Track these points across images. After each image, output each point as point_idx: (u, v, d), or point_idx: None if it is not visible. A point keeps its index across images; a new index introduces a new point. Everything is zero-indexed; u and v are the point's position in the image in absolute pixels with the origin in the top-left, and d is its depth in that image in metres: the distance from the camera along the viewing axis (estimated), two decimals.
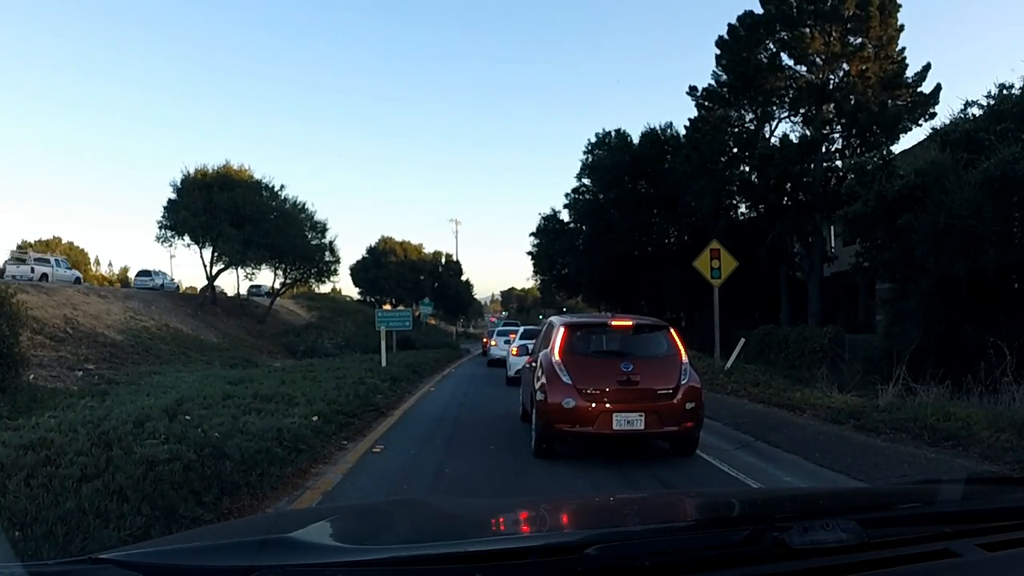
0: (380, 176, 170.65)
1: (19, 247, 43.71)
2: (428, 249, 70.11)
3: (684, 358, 7.68)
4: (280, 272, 37.63)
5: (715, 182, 26.81)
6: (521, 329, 22.71)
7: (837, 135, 25.27)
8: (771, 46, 25.79)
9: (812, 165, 24.68)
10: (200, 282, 41.52)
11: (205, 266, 34.72)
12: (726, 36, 26.96)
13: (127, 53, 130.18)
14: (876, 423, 8.56)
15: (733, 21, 26.74)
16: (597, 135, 37.62)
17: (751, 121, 27.39)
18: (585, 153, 38.09)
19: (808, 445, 7.99)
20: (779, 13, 24.99)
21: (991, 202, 12.20)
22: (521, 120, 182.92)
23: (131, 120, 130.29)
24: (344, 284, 79.59)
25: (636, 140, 35.78)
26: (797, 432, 8.79)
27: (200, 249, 33.85)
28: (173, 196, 33.90)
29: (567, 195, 39.64)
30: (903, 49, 24.84)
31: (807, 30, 24.68)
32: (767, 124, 27.03)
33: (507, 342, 21.30)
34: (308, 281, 40.14)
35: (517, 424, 10.13)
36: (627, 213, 33.64)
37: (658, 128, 35.37)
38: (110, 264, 72.03)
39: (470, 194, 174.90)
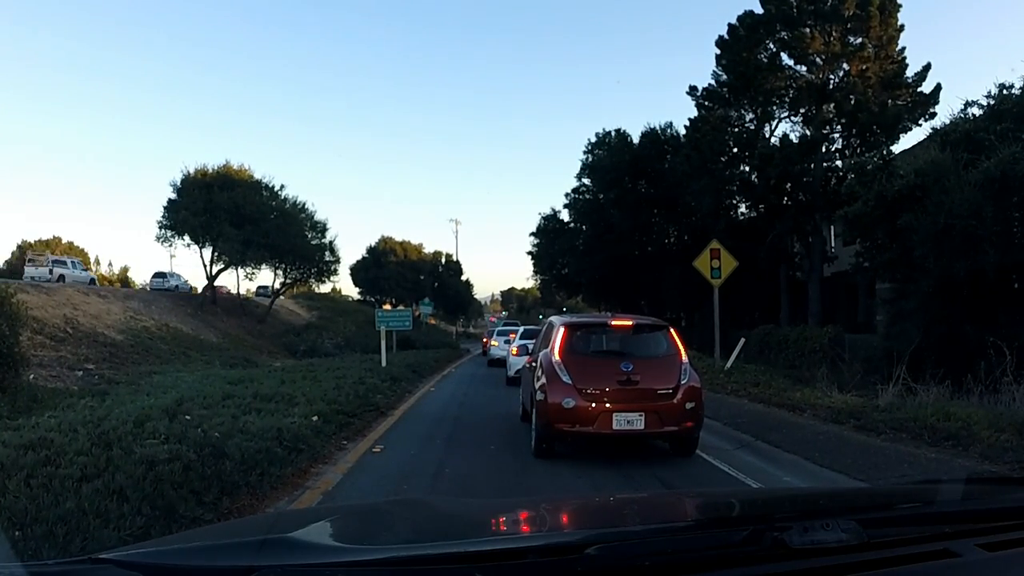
0: (380, 176, 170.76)
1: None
2: (428, 249, 70.21)
3: (684, 358, 7.68)
4: (280, 272, 37.64)
5: (715, 182, 26.81)
6: (521, 329, 22.70)
7: (837, 135, 25.28)
8: (771, 46, 25.79)
9: (812, 165, 24.68)
10: (200, 282, 41.61)
11: (205, 266, 34.76)
12: (726, 36, 26.96)
13: (127, 53, 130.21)
14: (876, 423, 8.56)
15: (733, 21, 26.78)
16: (597, 135, 37.69)
17: (751, 121, 27.39)
18: (585, 153, 38.15)
19: (808, 445, 7.99)
20: (779, 13, 24.99)
21: (991, 202, 12.20)
22: (521, 120, 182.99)
23: (131, 120, 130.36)
24: (344, 284, 79.62)
25: (636, 140, 35.80)
26: (797, 432, 8.79)
27: (200, 249, 33.88)
28: (173, 196, 33.94)
29: (567, 195, 39.71)
30: (903, 49, 24.86)
31: (807, 30, 24.69)
32: (767, 124, 27.04)
33: (507, 342, 21.29)
34: (308, 281, 40.14)
35: (517, 424, 10.13)
36: (627, 213, 33.65)
37: (658, 128, 35.43)
38: (110, 264, 72.06)
39: (470, 194, 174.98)
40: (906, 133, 24.60)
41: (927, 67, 24.67)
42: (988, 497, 1.98)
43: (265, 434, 6.86)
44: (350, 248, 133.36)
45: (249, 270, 36.45)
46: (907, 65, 24.72)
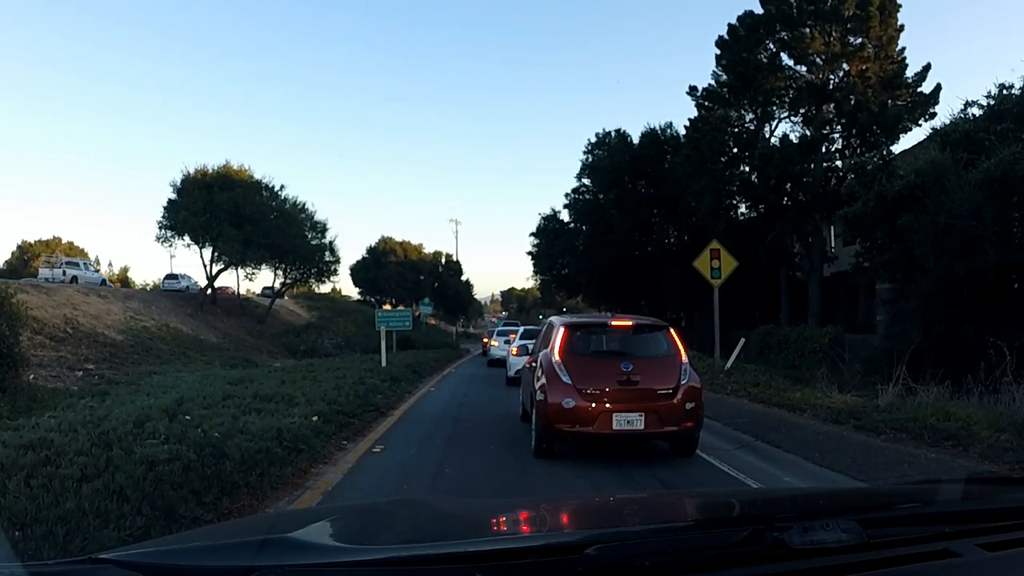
0: (380, 176, 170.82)
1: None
2: (428, 249, 70.14)
3: (684, 358, 7.68)
4: (280, 272, 37.63)
5: (715, 182, 26.81)
6: (521, 329, 22.71)
7: (837, 135, 25.27)
8: (771, 46, 25.79)
9: (812, 165, 24.68)
10: (200, 282, 41.72)
11: (205, 266, 34.75)
12: (726, 36, 26.96)
13: (127, 53, 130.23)
14: (876, 423, 8.56)
15: (733, 21, 26.78)
16: (597, 135, 37.68)
17: (751, 121, 27.39)
18: (585, 153, 38.14)
19: (808, 445, 7.99)
20: (779, 13, 24.99)
21: (991, 202, 12.20)
22: (521, 120, 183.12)
23: (131, 120, 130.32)
24: (344, 284, 79.51)
25: (636, 140, 35.79)
26: (797, 432, 8.79)
27: (200, 249, 33.85)
28: (173, 196, 33.90)
29: (567, 195, 39.70)
30: (903, 49, 24.86)
31: (807, 30, 24.68)
32: (767, 124, 27.03)
33: (507, 342, 21.29)
34: (308, 281, 40.12)
35: (517, 424, 10.13)
36: (627, 213, 33.64)
37: (658, 128, 35.42)
38: (110, 264, 71.87)
39: (470, 194, 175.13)
40: (906, 133, 24.63)
41: (927, 67, 24.70)
42: (988, 497, 1.98)
43: (265, 434, 6.86)
44: (350, 248, 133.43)
45: (249, 270, 36.46)
46: (907, 65, 24.72)
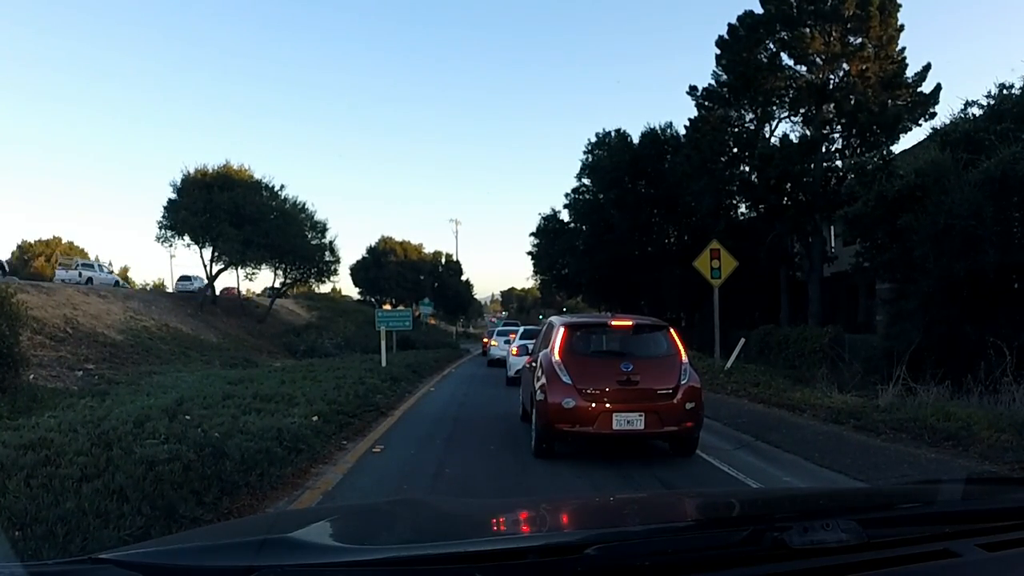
0: (380, 176, 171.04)
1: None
2: (428, 249, 70.09)
3: (684, 358, 7.68)
4: (280, 272, 37.62)
5: (715, 182, 26.79)
6: (521, 329, 22.71)
7: (837, 135, 25.26)
8: (771, 46, 25.77)
9: (812, 165, 24.67)
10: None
11: (205, 266, 34.74)
12: (726, 36, 26.95)
13: (128, 53, 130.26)
14: (876, 423, 8.56)
15: (733, 21, 26.77)
16: (597, 135, 37.64)
17: (751, 121, 27.37)
18: (585, 153, 38.10)
19: (808, 445, 7.99)
20: (779, 13, 24.98)
21: (991, 202, 12.19)
22: (521, 120, 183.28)
23: (131, 120, 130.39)
24: (344, 284, 79.49)
25: (636, 140, 35.76)
26: (797, 432, 8.79)
27: (200, 249, 33.84)
28: (173, 196, 33.89)
29: (567, 195, 39.66)
30: (903, 49, 24.84)
31: (807, 30, 24.67)
32: (767, 124, 27.02)
33: (507, 342, 21.30)
34: (308, 281, 40.11)
35: (517, 424, 10.13)
36: (627, 213, 33.63)
37: (658, 128, 35.38)
38: (110, 264, 71.93)
39: (470, 194, 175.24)
40: (906, 133, 24.60)
41: (927, 67, 24.68)
42: (988, 497, 1.98)
43: (265, 434, 6.86)
44: (350, 248, 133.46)
45: (249, 270, 36.47)
46: (907, 65, 24.71)
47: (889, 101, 24.20)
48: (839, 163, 24.80)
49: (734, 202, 29.23)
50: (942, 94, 24.28)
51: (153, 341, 24.01)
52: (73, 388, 14.74)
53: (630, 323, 8.22)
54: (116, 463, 5.01)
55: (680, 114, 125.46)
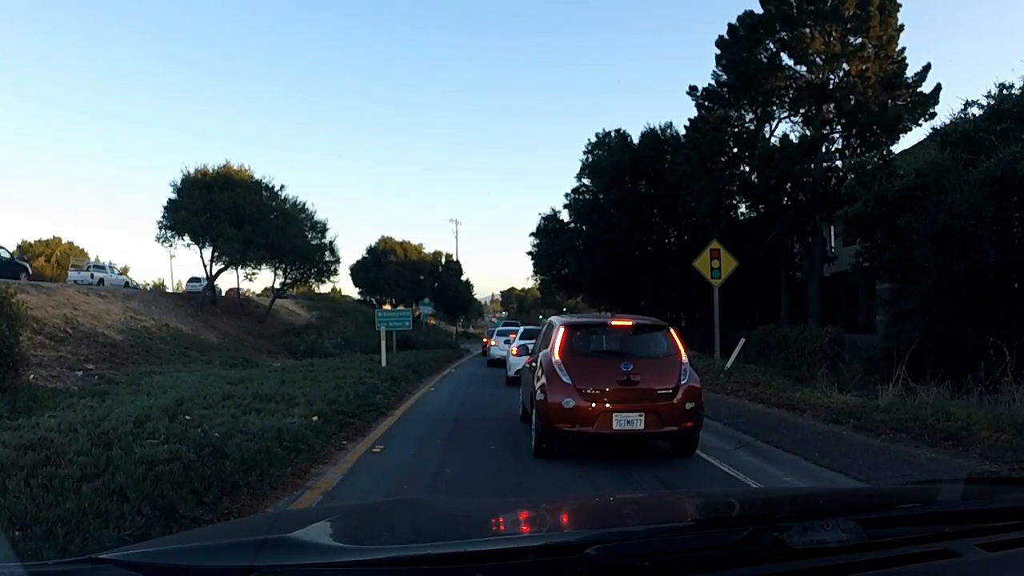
0: (380, 176, 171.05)
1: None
2: (428, 249, 70.07)
3: (684, 358, 7.68)
4: (280, 272, 37.61)
5: (715, 182, 26.79)
6: (521, 329, 22.71)
7: (837, 135, 25.25)
8: (771, 46, 25.77)
9: (812, 165, 24.66)
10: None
11: (205, 266, 34.72)
12: (726, 36, 26.94)
13: (128, 54, 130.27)
14: (876, 423, 8.56)
15: (733, 21, 26.76)
16: (597, 135, 37.62)
17: (751, 121, 27.36)
18: (585, 153, 38.09)
19: (808, 445, 7.99)
20: (779, 13, 24.97)
21: (991, 202, 12.19)
22: (521, 120, 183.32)
23: (131, 120, 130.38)
24: (344, 284, 79.48)
25: (636, 140, 35.75)
26: (797, 432, 8.79)
27: (200, 249, 33.82)
28: (173, 196, 33.85)
29: (567, 195, 39.64)
30: (903, 49, 24.84)
31: (807, 30, 24.67)
32: (767, 124, 27.01)
33: (507, 342, 21.30)
34: (308, 281, 40.10)
35: (517, 424, 10.13)
36: (627, 213, 33.62)
37: (658, 128, 35.37)
38: (110, 263, 71.91)
39: (470, 194, 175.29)
40: (906, 133, 24.59)
41: (927, 67, 24.68)
42: (988, 497, 1.98)
43: (265, 434, 6.86)
44: (350, 248, 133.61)
45: (249, 270, 36.45)
46: (907, 65, 24.71)
47: (889, 101, 24.19)
48: (839, 163, 24.80)
49: (734, 202, 29.22)
50: (942, 94, 24.30)
51: (153, 341, 24.00)
52: (73, 388, 14.73)
53: (630, 323, 8.22)
54: (116, 463, 5.01)
55: (680, 114, 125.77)
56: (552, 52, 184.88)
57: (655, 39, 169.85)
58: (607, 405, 7.24)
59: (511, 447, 8.47)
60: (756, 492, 4.78)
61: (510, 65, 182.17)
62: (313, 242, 37.48)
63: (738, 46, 26.27)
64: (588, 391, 7.29)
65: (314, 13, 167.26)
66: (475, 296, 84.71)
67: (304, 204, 37.21)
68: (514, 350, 17.25)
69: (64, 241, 61.15)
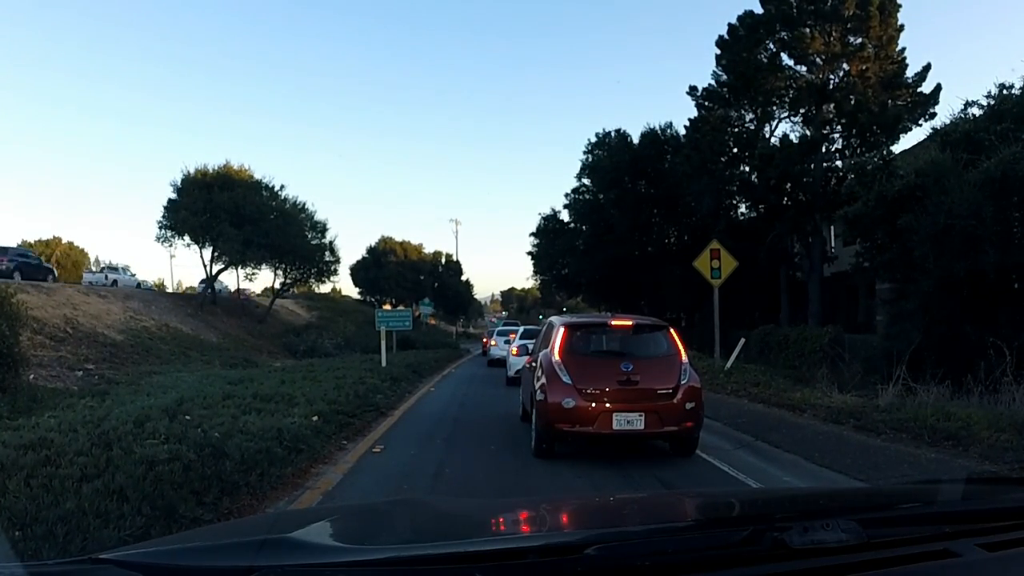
0: (380, 176, 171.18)
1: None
2: (428, 249, 70.01)
3: (684, 358, 7.68)
4: (280, 272, 37.61)
5: (715, 182, 26.79)
6: (521, 329, 22.71)
7: (837, 135, 25.26)
8: (771, 46, 25.78)
9: (812, 165, 24.67)
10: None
11: (205, 266, 34.72)
12: (726, 36, 26.95)
13: (128, 54, 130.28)
14: (876, 423, 8.55)
15: (733, 21, 26.77)
16: (597, 135, 37.61)
17: (751, 121, 27.37)
18: (585, 153, 38.08)
19: (808, 445, 7.98)
20: (779, 13, 24.98)
21: (991, 202, 12.19)
22: (521, 120, 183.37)
23: (131, 120, 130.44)
24: (344, 284, 79.43)
25: (636, 140, 35.74)
26: (797, 432, 8.78)
27: (200, 249, 33.83)
28: (173, 196, 33.85)
29: (567, 195, 39.63)
30: (903, 49, 24.85)
31: (807, 30, 24.67)
32: (767, 124, 27.02)
33: (507, 342, 21.30)
34: (308, 281, 40.11)
35: (517, 424, 10.13)
36: (627, 213, 33.62)
37: (658, 128, 35.36)
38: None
39: (470, 194, 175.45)
40: (906, 133, 24.61)
41: (927, 67, 24.69)
42: (988, 497, 1.97)
43: (265, 434, 6.86)
44: (350, 248, 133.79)
45: (249, 270, 36.46)
46: (907, 65, 24.72)
47: (889, 101, 24.20)
48: (839, 163, 24.80)
49: (734, 202, 29.23)
50: (942, 94, 24.34)
51: (153, 341, 24.00)
52: (73, 388, 14.73)
53: (630, 323, 8.21)
54: (116, 463, 5.01)
55: (680, 114, 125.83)
56: (552, 52, 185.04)
57: (655, 39, 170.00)
58: (607, 405, 7.24)
59: (511, 447, 8.47)
60: (756, 492, 4.78)
61: (510, 65, 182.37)
62: (313, 242, 37.49)
63: (738, 46, 26.27)
64: (588, 391, 7.29)
65: (314, 13, 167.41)
66: (475, 296, 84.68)
67: (304, 204, 37.28)
68: (514, 350, 17.25)
69: (64, 241, 61.16)
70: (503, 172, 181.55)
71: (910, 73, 24.66)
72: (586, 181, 38.18)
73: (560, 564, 1.27)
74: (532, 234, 42.52)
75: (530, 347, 11.08)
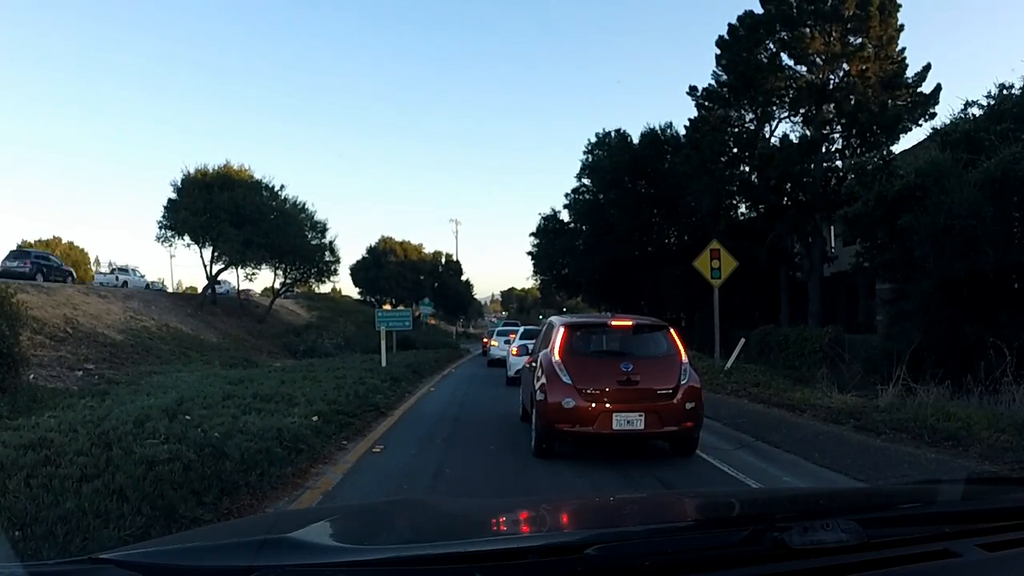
0: (380, 176, 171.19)
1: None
2: (428, 249, 70.05)
3: (684, 358, 7.67)
4: (280, 272, 37.61)
5: (715, 182, 26.78)
6: (521, 329, 22.71)
7: (837, 135, 25.24)
8: (771, 46, 25.77)
9: (812, 165, 24.66)
10: (201, 281, 42.65)
11: (205, 266, 34.72)
12: (726, 36, 26.94)
13: (128, 53, 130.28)
14: (876, 423, 8.55)
15: (733, 21, 26.76)
16: (597, 135, 37.63)
17: (751, 121, 27.36)
18: (585, 153, 38.10)
19: (808, 445, 7.98)
20: (779, 13, 24.97)
21: (991, 202, 12.19)
22: (521, 120, 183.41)
23: (132, 120, 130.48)
24: (344, 284, 79.51)
25: (636, 140, 35.75)
26: (797, 432, 8.78)
27: (200, 249, 33.82)
28: (173, 196, 33.85)
29: (567, 195, 39.65)
30: (903, 49, 24.84)
31: (807, 30, 24.67)
32: (767, 124, 27.01)
33: (507, 342, 21.30)
34: (308, 281, 40.12)
35: (517, 424, 10.13)
36: (627, 213, 33.62)
37: (658, 128, 35.37)
38: (110, 264, 71.93)
39: (470, 194, 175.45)
40: (906, 133, 24.59)
41: (927, 67, 24.68)
42: (988, 497, 1.97)
43: (265, 434, 6.86)
44: (350, 248, 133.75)
45: (249, 270, 36.46)
46: (907, 65, 24.70)
47: (889, 101, 24.18)
48: (839, 163, 24.79)
49: (734, 202, 29.22)
50: (942, 94, 24.30)
51: (153, 341, 24.00)
52: (73, 388, 14.73)
53: (630, 323, 8.21)
54: (116, 463, 5.01)
55: (680, 114, 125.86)
56: (552, 52, 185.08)
57: (655, 39, 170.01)
58: (607, 405, 7.24)
59: (511, 447, 8.47)
60: (756, 492, 4.78)
61: (510, 65, 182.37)
62: (313, 242, 37.49)
63: (738, 46, 26.26)
64: (588, 391, 7.29)
65: (315, 13, 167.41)
66: (475, 296, 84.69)
67: (304, 204, 37.29)
68: (514, 350, 17.25)
69: (64, 241, 61.17)
70: (503, 172, 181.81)
71: (910, 73, 24.66)
72: (586, 181, 38.20)
73: (560, 564, 1.27)
74: (532, 234, 42.59)
75: (530, 347, 11.08)
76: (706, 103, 28.47)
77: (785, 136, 26.16)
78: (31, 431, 6.22)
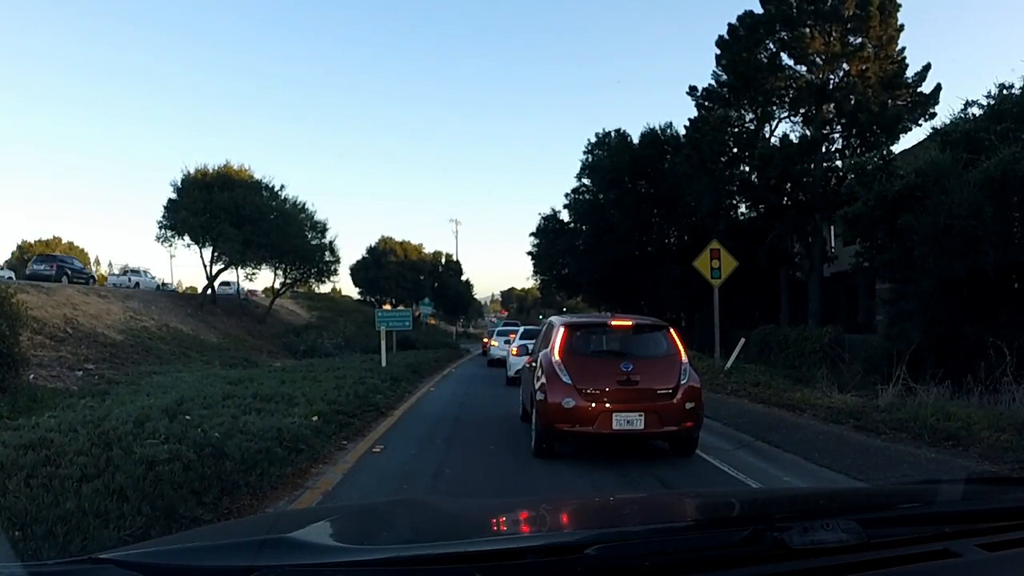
0: (380, 176, 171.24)
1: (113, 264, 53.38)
2: (428, 249, 70.07)
3: (684, 358, 7.67)
4: (280, 272, 37.61)
5: (715, 182, 26.79)
6: (521, 329, 22.71)
7: (837, 135, 25.26)
8: (771, 46, 25.77)
9: (812, 165, 24.66)
10: (201, 281, 42.75)
11: (205, 266, 34.73)
12: (726, 36, 26.95)
13: (128, 53, 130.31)
14: (876, 423, 8.55)
15: (733, 21, 26.77)
16: (597, 135, 37.65)
17: (751, 121, 27.37)
18: (585, 153, 38.12)
19: (808, 445, 7.98)
20: (779, 13, 24.97)
21: (991, 202, 12.18)
22: (521, 120, 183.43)
23: (132, 120, 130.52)
24: (344, 284, 79.56)
25: (636, 140, 35.76)
26: (797, 432, 8.78)
27: (200, 249, 33.84)
28: (173, 196, 33.89)
29: (567, 195, 39.67)
30: (903, 49, 24.84)
31: (807, 30, 24.67)
32: (767, 124, 27.01)
33: (507, 342, 21.30)
34: (308, 281, 40.13)
35: (517, 424, 10.13)
36: (627, 213, 33.62)
37: (658, 128, 35.39)
38: (110, 264, 71.98)
39: (470, 194, 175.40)
40: (906, 133, 24.60)
41: (927, 67, 24.68)
42: (988, 497, 1.97)
43: (265, 434, 6.86)
44: (350, 248, 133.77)
45: (249, 270, 36.47)
46: (907, 65, 24.70)
47: (889, 101, 24.19)
48: (839, 163, 24.79)
49: (734, 202, 29.24)
50: (942, 94, 24.32)
51: (153, 341, 24.00)
52: (73, 388, 14.73)
53: (630, 323, 8.21)
54: (116, 463, 5.01)
55: (680, 114, 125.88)
56: (552, 52, 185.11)
57: (655, 39, 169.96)
58: (607, 405, 7.24)
59: (511, 447, 8.47)
60: (756, 492, 4.78)
61: (510, 65, 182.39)
62: (313, 242, 37.52)
63: (738, 46, 26.27)
64: (588, 391, 7.29)
65: (315, 12, 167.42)
66: (475, 296, 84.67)
67: (304, 204, 37.33)
68: (514, 350, 17.25)
69: (64, 241, 61.21)
70: (503, 172, 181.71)
71: (910, 73, 24.66)
72: (586, 181, 38.21)
73: (560, 564, 1.27)
74: (532, 234, 42.62)
75: (530, 347, 11.08)
76: (706, 103, 28.48)
77: (785, 136, 26.20)
78: (31, 431, 6.22)
